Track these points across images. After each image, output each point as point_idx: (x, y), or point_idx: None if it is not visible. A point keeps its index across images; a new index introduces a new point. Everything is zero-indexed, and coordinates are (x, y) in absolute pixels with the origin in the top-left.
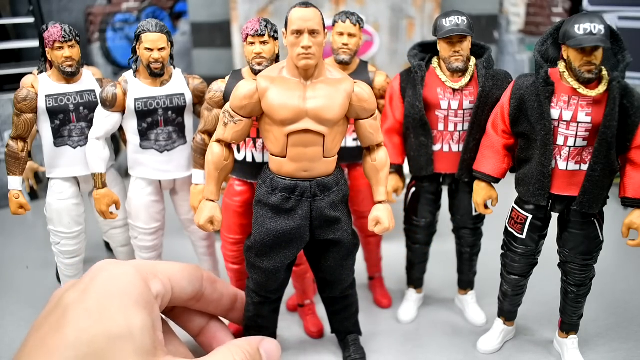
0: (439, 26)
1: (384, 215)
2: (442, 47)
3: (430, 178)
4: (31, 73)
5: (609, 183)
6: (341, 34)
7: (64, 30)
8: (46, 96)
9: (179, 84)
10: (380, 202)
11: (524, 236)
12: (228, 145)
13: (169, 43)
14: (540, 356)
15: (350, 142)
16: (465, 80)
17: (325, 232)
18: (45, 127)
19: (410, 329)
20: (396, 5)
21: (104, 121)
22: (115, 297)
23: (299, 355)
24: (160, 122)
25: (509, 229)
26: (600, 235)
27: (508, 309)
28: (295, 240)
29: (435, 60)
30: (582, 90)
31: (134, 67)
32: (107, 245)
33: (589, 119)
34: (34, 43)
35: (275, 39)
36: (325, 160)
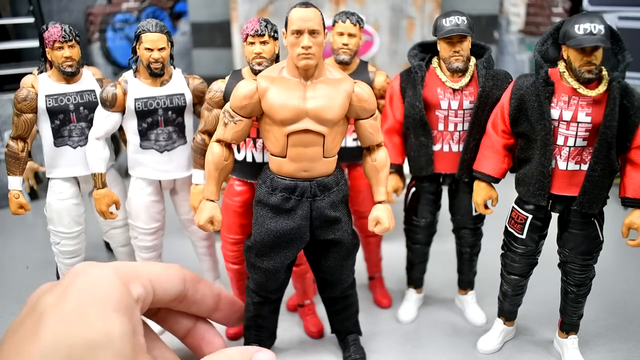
0: (439, 26)
1: (384, 215)
2: (442, 47)
3: (430, 178)
4: (31, 73)
5: (609, 183)
6: (341, 34)
7: (64, 30)
8: (46, 96)
9: (179, 84)
10: (380, 202)
11: (524, 236)
12: (228, 145)
13: (169, 43)
14: (540, 356)
15: (350, 142)
16: (465, 80)
17: (325, 232)
18: (45, 127)
19: (410, 329)
20: (396, 5)
21: (104, 121)
22: (94, 302)
23: (299, 355)
24: (160, 122)
25: (509, 229)
26: (600, 235)
27: (508, 309)
28: (295, 240)
29: (435, 60)
30: (582, 90)
31: (134, 67)
32: (107, 245)
33: (589, 119)
34: (34, 43)
35: (275, 39)
36: (325, 160)
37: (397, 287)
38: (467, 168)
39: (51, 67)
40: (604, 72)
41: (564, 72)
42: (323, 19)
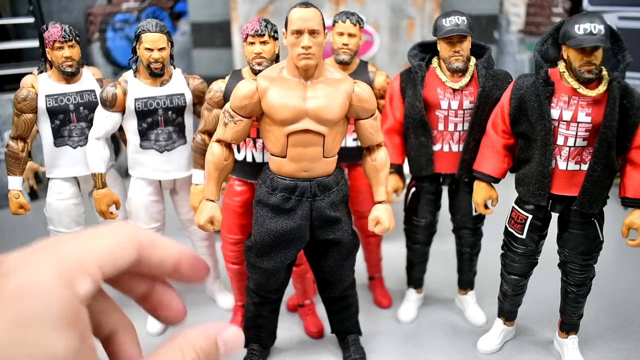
0: (439, 26)
1: (384, 215)
2: (442, 47)
3: (430, 178)
4: (31, 73)
5: (609, 183)
6: (341, 34)
7: (64, 30)
8: (46, 96)
9: (179, 84)
10: (380, 202)
11: (524, 236)
12: (228, 145)
13: (169, 43)
14: (540, 356)
15: (350, 142)
16: (465, 80)
17: (325, 232)
18: (45, 127)
19: (410, 329)
20: (396, 5)
21: (104, 121)
22: (30, 320)
23: (299, 355)
24: (160, 122)
25: (509, 229)
26: (600, 235)
27: (508, 309)
28: (295, 240)
29: (435, 60)
30: (582, 90)
31: (134, 67)
32: None
33: (589, 119)
34: (34, 43)
35: (275, 39)
36: (325, 160)
37: (397, 287)
38: (467, 168)
39: (51, 67)
40: (604, 72)
41: (564, 72)
42: (323, 19)
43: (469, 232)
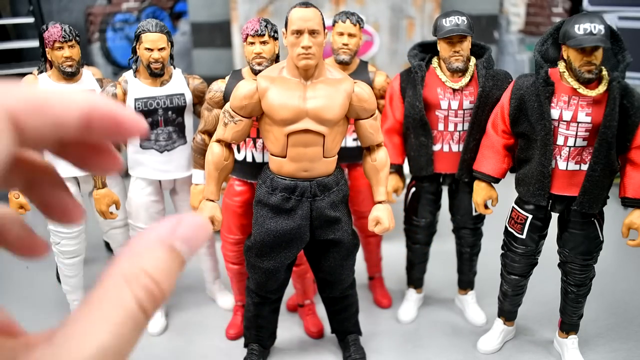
0: (439, 26)
1: (384, 215)
2: (442, 47)
3: (430, 178)
4: (31, 73)
5: (609, 183)
6: (341, 34)
7: (64, 30)
8: None
9: (179, 84)
10: (380, 202)
11: (524, 236)
12: (228, 145)
13: (169, 43)
14: (540, 356)
15: (350, 142)
16: (465, 80)
17: (325, 232)
18: None
19: (410, 329)
20: (396, 5)
21: None
22: None
23: (299, 355)
24: (160, 122)
25: (509, 229)
26: (600, 235)
27: (508, 309)
28: (295, 240)
29: (435, 60)
30: (582, 90)
31: (134, 67)
32: (107, 245)
33: (589, 119)
34: (34, 43)
35: (275, 39)
36: (325, 160)
37: (397, 287)
38: (467, 168)
39: (51, 67)
40: (604, 72)
41: (564, 72)
42: (323, 19)
43: (469, 232)
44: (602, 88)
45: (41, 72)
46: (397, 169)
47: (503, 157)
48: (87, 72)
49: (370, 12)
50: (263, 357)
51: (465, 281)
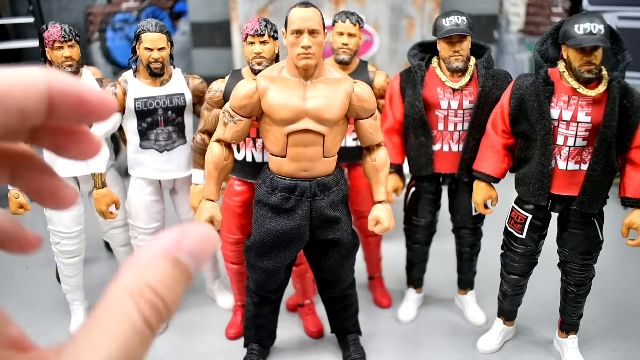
0: (439, 26)
1: (384, 215)
2: (442, 47)
3: (430, 178)
4: None
5: (609, 183)
6: (341, 34)
7: (64, 30)
8: None
9: (179, 84)
10: (380, 202)
11: (524, 236)
12: (228, 145)
13: (169, 43)
14: (540, 356)
15: (350, 142)
16: (465, 80)
17: (325, 232)
18: None
19: (410, 329)
20: (396, 5)
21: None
22: None
23: (299, 355)
24: (160, 122)
25: (509, 229)
26: (600, 235)
27: (508, 309)
28: (295, 240)
29: (435, 60)
30: (582, 90)
31: (134, 67)
32: (107, 245)
33: (589, 119)
34: (34, 43)
35: (275, 39)
36: (325, 160)
37: (397, 287)
38: (467, 168)
39: (51, 67)
40: (604, 72)
41: (564, 72)
42: (323, 19)
43: (469, 232)
44: (602, 88)
45: None
46: (397, 169)
47: (503, 157)
48: (87, 72)
49: (370, 12)
50: (263, 357)
51: (465, 281)
